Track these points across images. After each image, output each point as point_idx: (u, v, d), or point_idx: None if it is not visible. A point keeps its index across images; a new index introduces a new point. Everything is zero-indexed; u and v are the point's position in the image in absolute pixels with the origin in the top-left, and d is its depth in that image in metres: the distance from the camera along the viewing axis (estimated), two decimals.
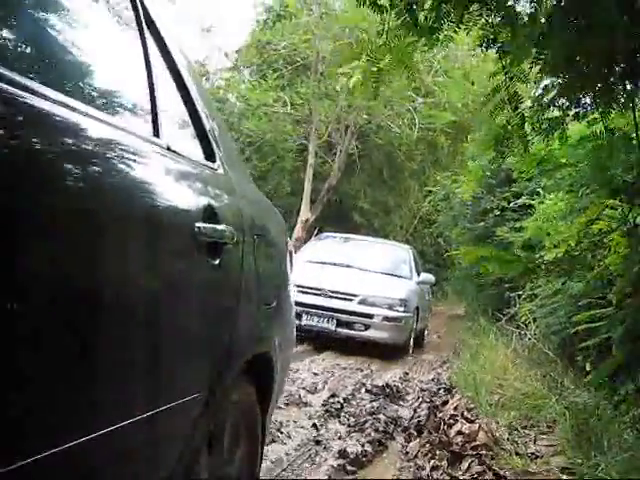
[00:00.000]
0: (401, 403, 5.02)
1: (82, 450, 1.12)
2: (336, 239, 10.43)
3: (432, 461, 3.55)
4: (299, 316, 7.22)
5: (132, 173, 1.37)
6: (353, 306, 7.86)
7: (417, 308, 8.83)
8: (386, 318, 7.88)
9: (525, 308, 7.37)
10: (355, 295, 7.95)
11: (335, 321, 7.71)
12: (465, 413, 4.38)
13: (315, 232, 13.02)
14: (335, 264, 8.82)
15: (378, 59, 3.02)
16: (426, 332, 10.54)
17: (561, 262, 4.51)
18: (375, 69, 3.03)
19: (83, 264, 1.14)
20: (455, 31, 2.97)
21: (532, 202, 7.94)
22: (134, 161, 1.39)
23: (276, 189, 16.16)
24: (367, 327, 7.80)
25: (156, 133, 1.58)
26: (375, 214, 17.86)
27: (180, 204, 1.62)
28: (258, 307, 2.16)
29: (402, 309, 8.09)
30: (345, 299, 7.90)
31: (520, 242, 7.92)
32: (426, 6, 2.92)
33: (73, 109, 1.16)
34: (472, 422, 4.16)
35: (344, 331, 7.69)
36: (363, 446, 3.65)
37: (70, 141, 1.14)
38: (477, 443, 3.80)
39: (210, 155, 1.98)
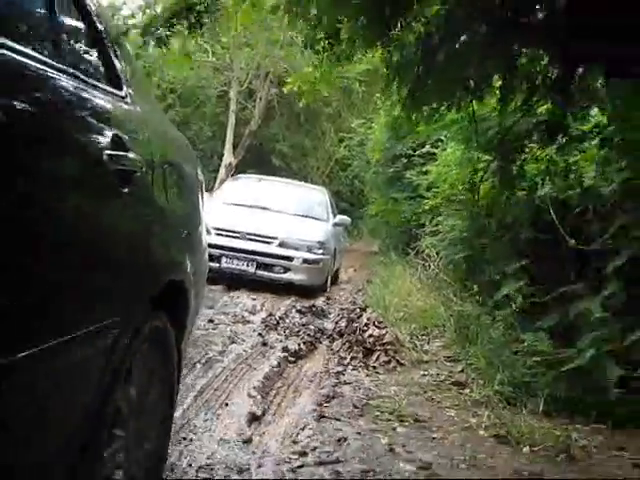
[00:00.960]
0: (325, 319, 6.32)
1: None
2: (251, 180, 10.65)
3: (351, 354, 4.88)
4: (218, 259, 7.44)
5: (38, 99, 1.40)
6: (272, 249, 7.98)
7: (334, 250, 9.07)
8: (305, 261, 8.04)
9: (427, 242, 8.78)
10: (274, 238, 8.06)
11: (255, 264, 7.80)
12: (376, 323, 5.72)
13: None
14: (252, 206, 8.91)
15: None
16: (341, 270, 11.02)
17: (450, 203, 5.83)
18: None
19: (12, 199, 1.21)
20: None
21: (435, 150, 9.19)
22: (40, 88, 1.43)
23: (198, 134, 17.05)
24: (286, 270, 7.93)
25: (63, 62, 1.61)
26: (293, 157, 19.05)
27: (89, 132, 1.66)
28: (170, 235, 2.22)
29: (320, 251, 8.28)
30: (264, 242, 7.99)
31: (425, 184, 9.26)
32: None
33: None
34: (381, 329, 5.51)
35: (264, 274, 7.80)
36: (299, 345, 4.94)
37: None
38: (384, 342, 5.13)
39: (118, 87, 2.02)
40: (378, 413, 3.53)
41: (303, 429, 3.14)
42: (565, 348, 4.53)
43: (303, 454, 2.81)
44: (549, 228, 5.15)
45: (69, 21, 1.82)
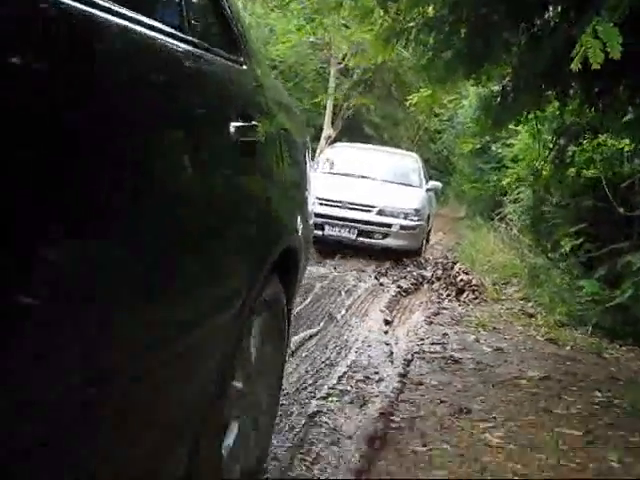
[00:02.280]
0: (424, 270, 8.15)
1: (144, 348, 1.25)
2: (347, 147, 11.39)
3: (446, 292, 6.72)
4: (322, 227, 8.08)
5: (164, 73, 1.38)
6: (372, 217, 8.62)
7: (428, 215, 9.76)
8: (402, 227, 8.66)
9: (509, 208, 10.47)
10: (373, 206, 8.68)
11: (356, 231, 8.48)
12: (465, 272, 7.52)
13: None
14: (350, 175, 9.59)
15: None
16: (432, 233, 12.12)
17: (524, 178, 7.55)
18: None
19: (125, 166, 1.17)
20: None
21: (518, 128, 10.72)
22: (166, 61, 1.40)
23: (298, 107, 19.00)
24: (385, 236, 8.58)
25: (186, 31, 1.57)
26: (384, 127, 20.78)
27: (214, 104, 1.67)
28: (286, 202, 2.29)
29: (417, 218, 8.90)
30: (364, 210, 8.62)
31: (509, 157, 10.86)
32: None
33: (95, 5, 1.10)
34: (469, 276, 7.30)
35: (365, 240, 8.50)
36: (408, 285, 6.81)
37: (100, 41, 1.11)
38: (472, 285, 6.93)
39: (237, 51, 2.01)
40: (468, 324, 5.35)
41: (419, 328, 5.02)
42: (612, 291, 6.20)
43: (421, 339, 4.69)
44: (604, 198, 6.78)
45: None
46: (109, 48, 1.14)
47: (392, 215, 8.77)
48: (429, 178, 11.45)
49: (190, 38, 1.55)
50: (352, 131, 19.40)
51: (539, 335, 5.26)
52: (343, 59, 17.35)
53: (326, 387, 3.33)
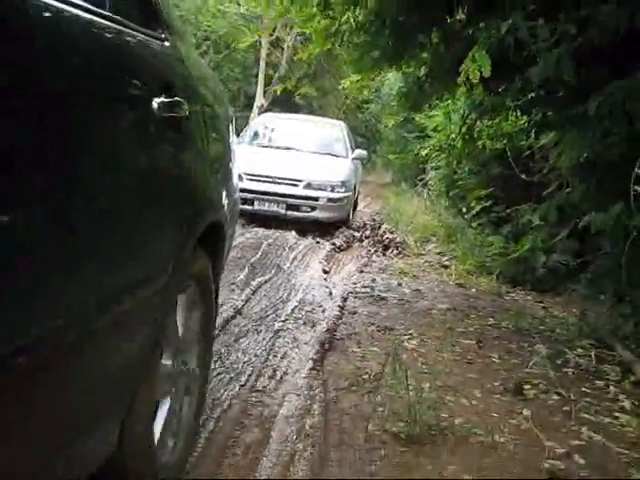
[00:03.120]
0: (354, 230, 9.29)
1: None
2: (274, 117, 11.87)
3: (374, 248, 7.88)
4: (251, 202, 8.55)
5: (83, 49, 1.38)
6: (300, 191, 9.00)
7: (354, 185, 10.27)
8: (330, 199, 9.10)
9: (430, 175, 11.71)
10: (300, 180, 9.05)
11: (285, 205, 8.86)
12: (390, 231, 8.70)
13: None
14: (278, 147, 10.09)
15: None
16: (359, 198, 12.96)
17: (442, 149, 8.76)
18: None
19: (53, 142, 1.20)
20: None
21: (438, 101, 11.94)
22: (85, 37, 1.40)
23: (228, 76, 19.79)
24: (313, 209, 8.99)
25: (105, 6, 1.58)
26: (314, 96, 21.81)
27: (137, 80, 1.65)
28: (212, 178, 2.35)
29: (343, 189, 9.35)
30: (292, 185, 9.00)
31: (431, 127, 12.06)
32: None
33: None
34: (393, 234, 8.48)
35: (293, 213, 8.89)
36: (341, 243, 7.94)
37: (13, 14, 1.11)
38: (396, 242, 8.12)
39: (159, 27, 2.03)
40: (392, 273, 6.51)
41: (352, 276, 6.15)
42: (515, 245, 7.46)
43: (354, 283, 5.81)
44: (509, 166, 8.02)
45: None
46: (23, 24, 1.14)
47: (319, 188, 9.14)
48: (356, 146, 11.95)
49: (110, 14, 1.56)
50: (283, 101, 20.36)
51: (451, 281, 6.46)
52: (273, 31, 18.25)
53: (284, 315, 4.42)
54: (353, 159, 10.73)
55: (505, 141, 7.39)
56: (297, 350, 3.71)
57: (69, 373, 1.30)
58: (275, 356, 3.57)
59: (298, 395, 3.03)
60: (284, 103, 19.88)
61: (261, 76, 18.21)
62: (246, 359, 3.44)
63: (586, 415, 3.15)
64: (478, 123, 6.90)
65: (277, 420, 2.75)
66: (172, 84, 1.91)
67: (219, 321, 3.87)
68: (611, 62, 4.05)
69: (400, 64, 5.64)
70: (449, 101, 7.53)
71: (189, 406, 2.23)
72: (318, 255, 7.04)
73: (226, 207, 2.52)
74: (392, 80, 15.38)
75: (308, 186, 9.10)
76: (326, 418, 2.83)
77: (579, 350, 4.22)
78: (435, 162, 11.50)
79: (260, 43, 18.69)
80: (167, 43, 2.04)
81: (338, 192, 9.26)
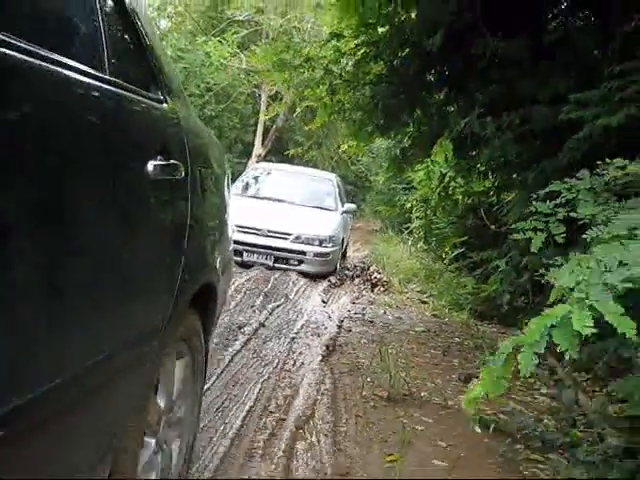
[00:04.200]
0: (347, 271, 10.79)
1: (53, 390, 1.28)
2: (267, 170, 12.19)
3: (364, 285, 9.39)
4: (240, 253, 8.75)
5: (83, 113, 1.44)
6: (288, 244, 9.34)
7: (342, 239, 10.68)
8: (317, 254, 9.49)
9: (415, 224, 13.28)
10: (289, 234, 9.41)
11: (272, 257, 9.20)
12: (378, 272, 10.20)
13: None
14: (269, 199, 10.44)
15: None
16: (350, 244, 13.61)
17: (424, 202, 10.34)
18: None
19: (38, 209, 1.22)
20: None
21: None
22: (84, 101, 1.46)
23: (227, 124, 21.49)
24: (300, 262, 9.35)
25: (105, 70, 1.63)
26: (309, 146, 23.54)
27: (133, 142, 1.74)
28: (203, 238, 2.42)
29: (330, 244, 9.73)
30: (280, 238, 9.34)
31: (417, 180, 13.69)
32: None
33: (15, 47, 1.17)
34: (381, 275, 9.99)
35: (281, 266, 9.19)
36: (336, 281, 9.44)
37: (16, 80, 1.16)
38: (383, 281, 9.62)
39: (157, 89, 2.11)
40: (379, 305, 8.00)
41: (346, 306, 7.64)
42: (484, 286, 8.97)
43: (348, 311, 7.29)
44: (481, 219, 9.59)
45: (108, 24, 1.75)
46: (26, 89, 1.20)
47: (307, 242, 9.49)
48: (347, 194, 12.75)
49: (109, 77, 1.61)
50: (279, 150, 22.04)
51: (428, 313, 7.95)
52: (273, 86, 19.98)
53: (295, 329, 5.89)
54: (343, 212, 11.15)
55: (475, 198, 8.96)
56: (309, 350, 5.18)
57: (66, 428, 1.40)
58: (294, 353, 5.05)
59: (314, 374, 4.50)
60: (279, 152, 21.57)
61: (260, 127, 19.89)
62: (273, 354, 4.92)
63: (513, 395, 4.63)
64: (452, 183, 8.51)
65: (301, 386, 4.22)
66: (168, 146, 1.98)
67: (250, 329, 5.36)
68: (545, 143, 5.62)
69: (390, 135, 7.24)
70: (429, 161, 9.15)
71: (178, 452, 2.37)
72: (317, 289, 8.52)
73: (219, 266, 2.61)
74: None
75: (296, 239, 9.45)
76: (334, 386, 4.31)
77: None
78: (418, 213, 13.14)
79: (259, 95, 20.44)
80: (165, 105, 2.13)
81: (326, 247, 9.66)
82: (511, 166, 6.04)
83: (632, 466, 3.11)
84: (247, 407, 3.65)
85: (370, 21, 6.78)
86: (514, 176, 6.48)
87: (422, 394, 4.39)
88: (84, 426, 1.51)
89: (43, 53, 1.28)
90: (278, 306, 6.84)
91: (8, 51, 1.14)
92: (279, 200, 10.43)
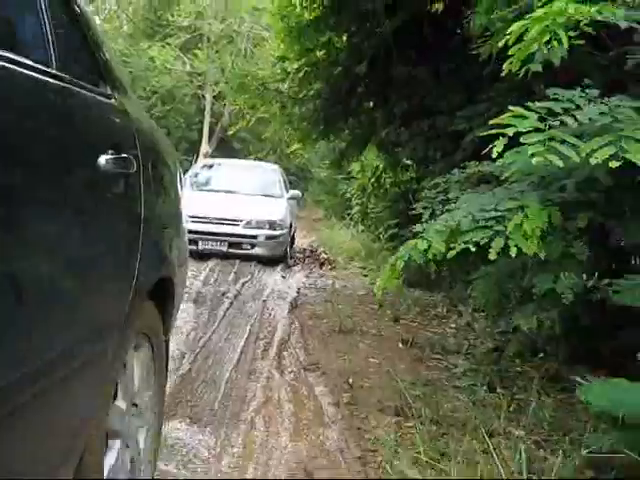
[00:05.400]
0: (297, 253, 12.69)
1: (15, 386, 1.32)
2: (214, 164, 13.34)
3: (313, 265, 11.32)
4: (195, 242, 9.36)
5: (29, 107, 1.47)
6: (239, 230, 10.17)
7: (290, 223, 11.57)
8: (268, 237, 10.33)
9: (355, 210, 15.29)
10: (240, 220, 10.26)
11: (226, 243, 9.98)
12: (324, 253, 12.14)
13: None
14: (218, 191, 11.23)
15: None
16: (297, 232, 14.45)
17: (362, 190, 12.34)
18: None
19: None
20: None
21: None
22: (31, 95, 1.49)
23: (173, 124, 23.17)
24: (253, 246, 10.21)
25: (53, 65, 1.66)
26: (250, 141, 25.37)
27: (83, 136, 1.77)
28: (158, 231, 2.47)
29: (279, 228, 10.61)
30: (232, 224, 10.17)
31: (356, 170, 15.67)
32: None
33: None
34: (327, 255, 11.93)
35: (234, 251, 10.01)
36: (290, 262, 11.35)
37: None
38: (330, 260, 11.56)
39: (104, 84, 2.16)
40: (327, 277, 9.92)
41: (301, 279, 9.56)
42: None
43: (303, 282, 9.21)
44: (410, 202, 11.58)
45: (56, 21, 1.77)
46: None
47: (258, 227, 10.35)
48: (290, 187, 13.48)
49: (55, 72, 1.65)
50: (224, 146, 23.82)
51: (367, 282, 9.91)
52: (216, 85, 21.76)
53: (264, 295, 7.77)
54: (288, 199, 12.07)
55: (402, 186, 10.99)
56: (278, 307, 7.09)
57: (24, 427, 1.42)
58: (267, 309, 6.96)
59: (284, 320, 6.42)
60: (224, 148, 23.34)
61: (206, 126, 21.64)
62: (252, 310, 6.81)
63: (429, 328, 6.60)
64: (384, 174, 10.51)
65: (277, 326, 6.13)
66: (118, 140, 2.02)
67: (234, 292, 7.24)
68: (447, 143, 7.59)
69: (330, 138, 9.18)
70: (363, 157, 11.14)
71: (144, 441, 2.43)
72: (276, 269, 10.41)
73: (175, 260, 2.70)
74: None
75: (247, 224, 10.32)
76: (300, 326, 6.25)
77: (438, 309, 7.71)
78: (357, 200, 15.15)
79: (204, 96, 22.19)
80: (113, 100, 2.15)
81: (275, 230, 10.53)
82: (425, 161, 8.03)
83: (495, 356, 5.11)
84: (244, 337, 5.56)
85: (309, 47, 8.66)
86: (429, 168, 8.47)
87: (363, 329, 6.33)
88: (45, 424, 1.54)
89: None
90: (247, 281, 8.71)
91: None
92: (228, 191, 11.20)
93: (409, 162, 9.24)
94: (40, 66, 1.57)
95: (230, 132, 24.36)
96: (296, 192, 12.91)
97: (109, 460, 2.05)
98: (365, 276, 10.59)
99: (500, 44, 3.38)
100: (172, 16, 21.52)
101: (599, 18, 3.03)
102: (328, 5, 7.81)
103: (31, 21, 1.68)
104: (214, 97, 22.21)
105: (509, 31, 3.18)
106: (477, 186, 4.83)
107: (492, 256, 3.15)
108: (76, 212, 1.67)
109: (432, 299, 8.68)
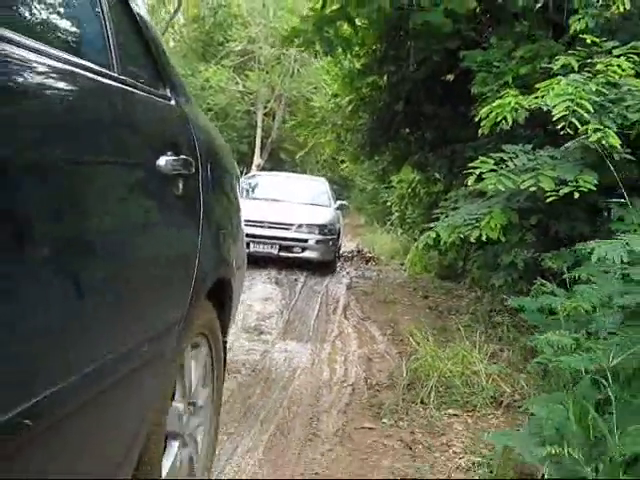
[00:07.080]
0: (346, 254, 15.38)
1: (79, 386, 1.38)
2: (264, 177, 14.72)
3: (360, 262, 14.02)
4: (247, 245, 8.22)
5: (93, 110, 1.54)
6: (290, 233, 10.94)
7: (339, 229, 12.55)
8: (317, 241, 11.14)
9: (395, 216, 17.97)
10: (292, 224, 11.00)
11: (277, 246, 10.74)
12: (369, 253, 14.81)
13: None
14: (270, 199, 11.97)
15: None
16: (343, 238, 15.93)
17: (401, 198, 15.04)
18: None
19: (53, 206, 1.29)
20: None
21: None
22: (94, 98, 1.55)
23: (226, 138, 26.06)
24: (304, 249, 11.00)
25: (114, 68, 1.74)
26: (296, 152, 28.23)
27: (144, 138, 1.85)
28: (217, 233, 2.55)
29: (329, 232, 11.46)
30: (284, 228, 10.89)
31: (396, 180, 18.34)
32: None
33: (24, 46, 1.25)
34: (371, 254, 14.60)
35: (285, 254, 10.84)
36: (341, 261, 14.09)
37: (27, 78, 1.23)
38: (374, 258, 14.23)
39: (164, 87, 2.25)
40: (372, 271, 12.59)
41: (352, 272, 12.26)
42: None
43: (354, 274, 11.90)
44: None
45: (118, 26, 1.87)
46: (38, 87, 1.28)
47: (309, 231, 11.14)
48: (336, 197, 14.52)
49: (117, 75, 1.74)
50: (273, 159, 26.69)
51: (406, 275, 12.56)
52: (268, 102, 24.64)
53: (325, 283, 10.48)
54: (336, 208, 13.04)
55: (434, 195, 13.63)
56: (337, 288, 9.80)
57: (87, 425, 1.50)
58: (330, 290, 9.67)
59: (344, 295, 9.15)
60: (273, 160, 26.20)
61: (258, 140, 24.53)
62: (319, 289, 9.51)
63: (449, 302, 9.21)
64: (419, 185, 13.18)
65: (340, 298, 8.87)
66: (177, 141, 2.11)
67: (301, 281, 9.98)
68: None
69: (374, 159, 11.91)
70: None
71: (202, 440, 2.60)
72: (329, 266, 13.12)
73: (234, 262, 2.84)
74: None
75: (299, 228, 11.07)
76: (355, 299, 8.98)
77: (459, 291, 10.33)
78: (396, 207, 17.80)
79: (255, 112, 25.07)
80: (172, 102, 2.26)
81: (324, 234, 11.35)
82: (450, 176, 10.69)
83: (488, 307, 7.76)
84: (318, 304, 8.29)
85: (358, 86, 11.38)
86: (453, 183, 11.09)
87: (401, 301, 9.00)
88: (105, 424, 1.62)
89: (56, 53, 1.40)
90: (309, 274, 11.39)
91: (16, 49, 1.21)
92: (279, 200, 12.03)
93: (439, 176, 11.86)
94: (103, 69, 1.66)
95: (280, 146, 27.41)
96: (343, 202, 14.29)
97: (167, 460, 2.17)
98: (404, 270, 13.26)
99: (482, 112, 6.01)
100: (226, 40, 24.40)
101: (531, 105, 5.67)
102: (373, 57, 10.53)
103: (94, 27, 1.78)
104: (264, 114, 25.03)
105: (480, 112, 5.83)
106: (475, 198, 7.46)
107: (472, 239, 5.79)
108: (137, 212, 1.76)
109: (456, 286, 11.31)
